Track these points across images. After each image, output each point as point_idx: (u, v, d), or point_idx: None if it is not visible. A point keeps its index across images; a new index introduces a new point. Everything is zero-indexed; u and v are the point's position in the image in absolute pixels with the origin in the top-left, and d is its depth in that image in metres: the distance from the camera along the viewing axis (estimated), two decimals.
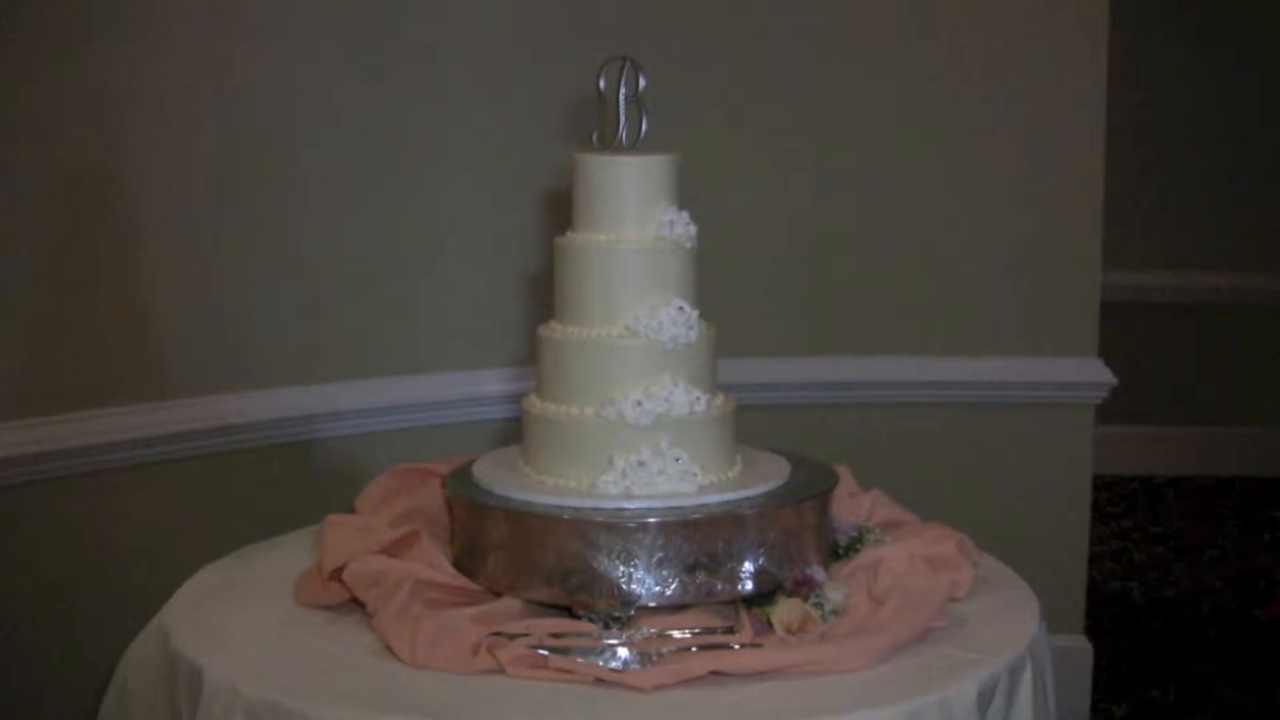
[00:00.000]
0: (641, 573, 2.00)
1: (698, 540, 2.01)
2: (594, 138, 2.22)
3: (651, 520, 2.01)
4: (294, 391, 3.08)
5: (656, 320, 2.11)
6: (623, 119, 2.20)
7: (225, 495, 3.01)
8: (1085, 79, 3.38)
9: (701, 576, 2.02)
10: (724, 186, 3.22)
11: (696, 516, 2.03)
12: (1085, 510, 3.55)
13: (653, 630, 1.98)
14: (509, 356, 3.25)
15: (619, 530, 2.00)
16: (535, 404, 2.19)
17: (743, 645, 1.95)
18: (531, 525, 2.04)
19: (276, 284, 3.08)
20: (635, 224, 2.16)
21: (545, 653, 1.90)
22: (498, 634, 1.94)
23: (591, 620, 2.01)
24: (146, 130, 2.88)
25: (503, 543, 2.08)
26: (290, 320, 3.10)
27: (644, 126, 2.21)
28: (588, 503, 2.05)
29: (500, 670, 1.89)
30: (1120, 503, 5.48)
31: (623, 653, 1.92)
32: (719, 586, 2.03)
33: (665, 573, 2.00)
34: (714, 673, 1.87)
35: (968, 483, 3.43)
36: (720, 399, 2.20)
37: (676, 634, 1.97)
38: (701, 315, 2.17)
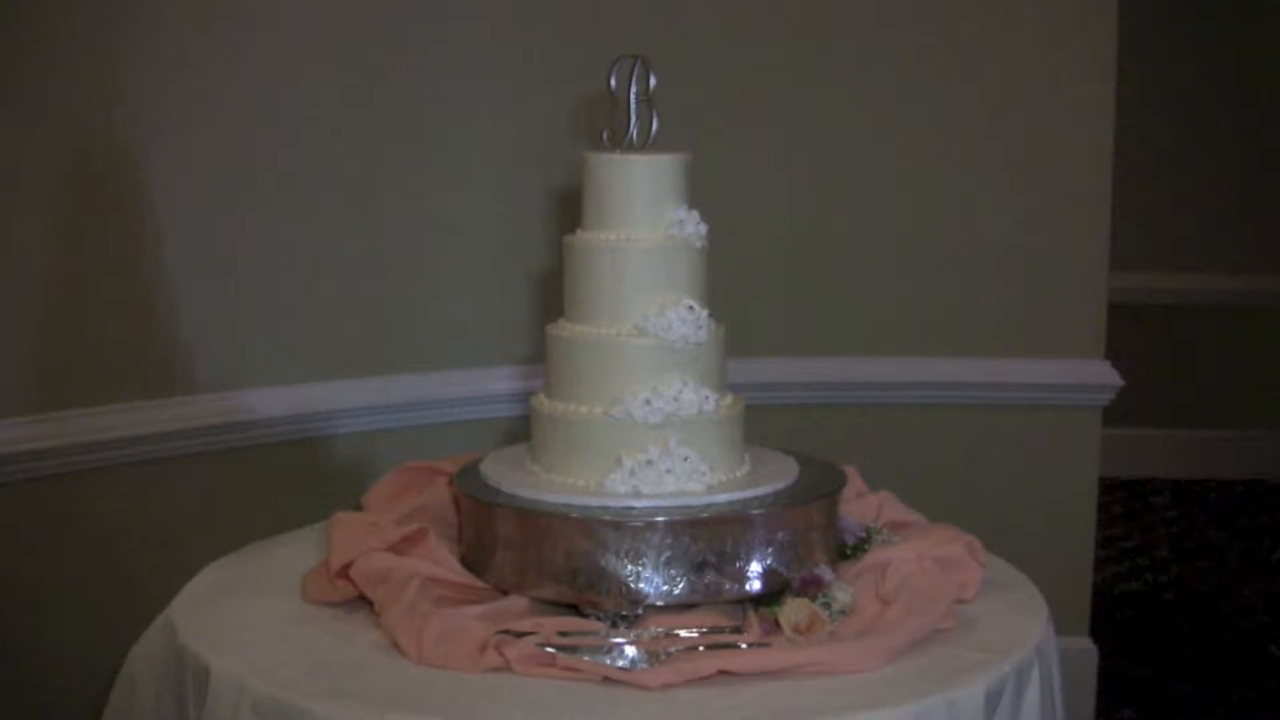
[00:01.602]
0: (649, 571, 2.00)
1: (706, 539, 2.01)
2: (604, 136, 2.22)
3: (659, 519, 2.01)
4: (302, 388, 3.08)
5: (665, 320, 2.11)
6: (633, 118, 2.20)
7: (232, 492, 3.01)
8: (1092, 81, 3.38)
9: (709, 576, 2.01)
10: (730, 186, 3.21)
11: (705, 516, 2.03)
12: (1091, 512, 3.55)
13: (660, 629, 1.97)
14: (517, 355, 3.26)
15: (627, 529, 2.00)
16: (544, 402, 2.19)
17: (750, 645, 1.95)
18: (539, 523, 2.04)
19: (283, 280, 3.08)
20: (645, 223, 2.16)
21: (552, 651, 1.90)
22: (505, 632, 1.94)
23: (599, 619, 2.00)
24: (152, 128, 2.88)
25: (510, 541, 2.07)
26: (297, 316, 3.10)
27: (654, 126, 2.20)
28: (595, 501, 2.05)
29: (507, 668, 1.89)
30: (1125, 505, 5.48)
31: (630, 652, 1.92)
32: (727, 586, 2.03)
33: (673, 572, 2.00)
34: (721, 672, 1.87)
35: (973, 484, 3.43)
36: (729, 398, 2.20)
37: (684, 633, 1.97)
38: (710, 315, 2.17)
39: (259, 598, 2.18)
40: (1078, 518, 3.53)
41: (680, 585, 2.01)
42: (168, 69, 2.89)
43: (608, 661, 1.90)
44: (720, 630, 1.98)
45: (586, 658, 1.90)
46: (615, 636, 1.95)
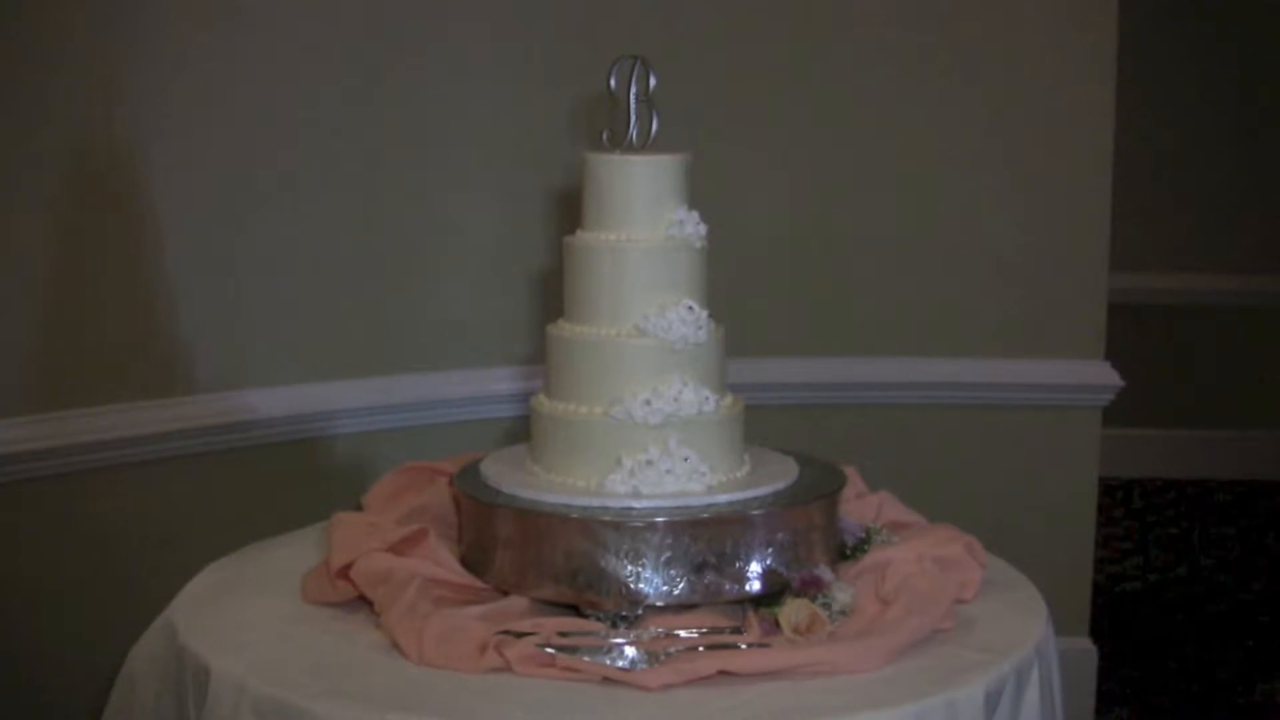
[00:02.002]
0: (649, 572, 2.00)
1: (706, 540, 2.01)
2: (604, 137, 2.22)
3: (659, 520, 2.01)
4: (302, 388, 3.08)
5: (665, 320, 2.11)
6: (633, 118, 2.20)
7: (232, 492, 3.01)
8: (1092, 81, 3.38)
9: (709, 576, 2.01)
10: (730, 186, 3.22)
11: (705, 516, 2.03)
12: (1091, 512, 3.55)
13: (660, 630, 1.97)
14: (518, 355, 3.25)
15: (627, 529, 2.00)
16: (544, 403, 2.19)
17: (750, 645, 1.95)
18: (539, 524, 2.04)
19: (283, 280, 3.08)
20: (645, 223, 2.16)
21: (552, 651, 1.90)
22: (505, 632, 1.94)
23: (599, 619, 2.01)
24: (152, 128, 2.88)
25: (510, 541, 2.07)
26: (298, 316, 3.10)
27: (654, 126, 2.20)
28: (595, 502, 2.05)
29: (507, 669, 1.89)
30: (1125, 505, 5.48)
31: (630, 652, 1.92)
32: (727, 586, 2.03)
33: (673, 572, 2.00)
34: (721, 672, 1.87)
35: (972, 484, 3.43)
36: (729, 399, 2.20)
37: (684, 633, 1.97)
38: (710, 315, 2.17)
39: (259, 598, 2.18)
40: (1078, 518, 3.53)
41: (680, 586, 2.01)
42: (168, 69, 2.89)
43: (607, 662, 1.90)
44: (720, 630, 1.98)
45: (586, 658, 1.90)
46: (615, 637, 1.95)
